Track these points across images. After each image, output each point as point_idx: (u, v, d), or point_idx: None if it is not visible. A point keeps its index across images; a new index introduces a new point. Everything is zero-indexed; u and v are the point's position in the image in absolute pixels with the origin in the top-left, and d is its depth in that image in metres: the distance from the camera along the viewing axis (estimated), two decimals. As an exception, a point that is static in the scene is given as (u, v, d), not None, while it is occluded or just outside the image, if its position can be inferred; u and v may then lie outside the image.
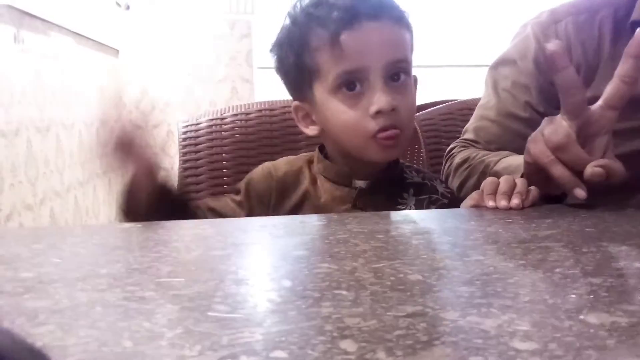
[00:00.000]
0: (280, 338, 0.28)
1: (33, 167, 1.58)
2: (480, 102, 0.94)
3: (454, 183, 0.88)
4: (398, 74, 0.70)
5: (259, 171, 0.79)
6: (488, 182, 0.67)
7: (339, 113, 0.70)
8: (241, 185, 0.80)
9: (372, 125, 0.68)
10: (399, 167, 0.80)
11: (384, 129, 0.68)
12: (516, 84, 0.88)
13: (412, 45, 0.74)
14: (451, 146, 0.95)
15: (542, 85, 0.86)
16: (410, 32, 0.74)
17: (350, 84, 0.69)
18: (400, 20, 0.72)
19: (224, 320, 0.31)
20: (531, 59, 0.86)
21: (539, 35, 0.86)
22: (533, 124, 0.87)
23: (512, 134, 0.88)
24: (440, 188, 0.80)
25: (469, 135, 0.93)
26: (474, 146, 0.91)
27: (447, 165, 0.92)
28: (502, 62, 0.91)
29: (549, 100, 0.86)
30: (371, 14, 0.68)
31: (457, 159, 0.89)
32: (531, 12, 0.91)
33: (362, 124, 0.69)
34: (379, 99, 0.67)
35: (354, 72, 0.69)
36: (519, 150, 0.82)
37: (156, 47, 2.51)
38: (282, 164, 0.80)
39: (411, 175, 0.80)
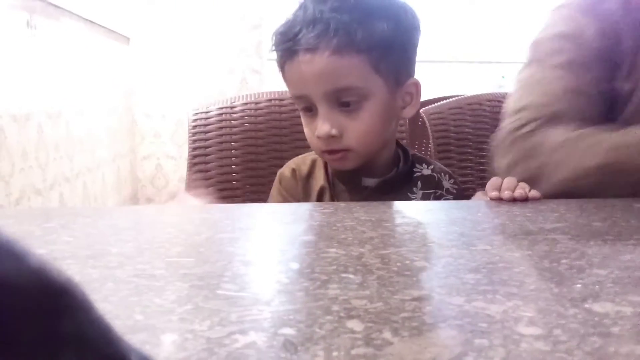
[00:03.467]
0: (288, 316, 0.29)
1: (43, 152, 1.59)
2: (527, 81, 0.84)
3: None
4: (346, 100, 0.70)
5: (287, 171, 0.82)
6: (492, 180, 0.69)
7: (304, 126, 0.75)
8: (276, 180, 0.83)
9: (320, 145, 0.72)
10: (409, 161, 0.80)
11: (328, 151, 0.72)
12: (574, 62, 0.80)
13: (375, 65, 0.69)
14: (528, 127, 0.79)
15: (606, 55, 0.80)
16: (368, 53, 0.68)
17: (306, 106, 0.73)
18: (344, 47, 0.67)
19: (233, 298, 0.31)
20: (590, 34, 0.79)
21: (587, 11, 0.81)
22: (600, 100, 0.79)
23: (583, 107, 0.79)
24: (447, 184, 0.80)
25: (550, 109, 0.79)
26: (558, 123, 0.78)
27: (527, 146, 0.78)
28: (549, 39, 0.84)
29: (613, 72, 0.80)
30: (307, 47, 0.68)
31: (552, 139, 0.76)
32: (536, 10, 0.89)
33: (314, 142, 0.73)
34: (320, 127, 0.70)
35: (300, 97, 0.73)
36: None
37: (166, 36, 2.51)
38: (303, 164, 0.82)
39: (420, 168, 0.81)
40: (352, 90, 0.69)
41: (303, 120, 0.75)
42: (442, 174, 0.82)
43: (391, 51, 0.70)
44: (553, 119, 0.79)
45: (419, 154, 0.86)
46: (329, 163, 0.77)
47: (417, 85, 0.76)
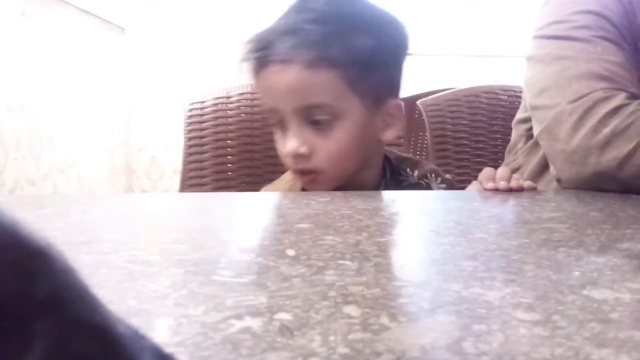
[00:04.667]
0: (284, 302, 0.28)
1: (37, 142, 1.58)
2: (575, 51, 0.77)
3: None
4: (318, 118, 0.66)
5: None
6: (485, 171, 0.69)
7: (276, 142, 0.71)
8: None
9: (289, 162, 0.69)
10: (395, 172, 0.77)
11: (299, 171, 0.68)
12: (609, 38, 0.77)
13: (350, 83, 0.65)
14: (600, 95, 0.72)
15: (627, 33, 0.77)
16: (344, 70, 0.64)
17: (278, 121, 0.69)
18: (317, 62, 0.64)
19: (229, 284, 0.31)
20: (613, 13, 0.77)
21: None
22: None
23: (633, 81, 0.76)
24: (435, 186, 0.78)
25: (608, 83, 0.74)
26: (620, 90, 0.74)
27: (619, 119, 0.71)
28: (578, 14, 0.79)
29: None
30: (279, 59, 0.64)
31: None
32: (531, 6, 0.87)
33: (285, 159, 0.70)
34: (287, 143, 0.67)
35: (271, 111, 0.69)
36: None
37: (162, 27, 2.50)
38: (294, 186, 0.77)
39: (406, 176, 0.78)
40: (324, 107, 0.65)
41: (276, 136, 0.71)
42: (430, 174, 0.79)
43: (371, 69, 0.66)
44: (626, 90, 0.73)
45: (402, 155, 0.82)
46: (302, 184, 0.72)
47: (399, 107, 0.71)
